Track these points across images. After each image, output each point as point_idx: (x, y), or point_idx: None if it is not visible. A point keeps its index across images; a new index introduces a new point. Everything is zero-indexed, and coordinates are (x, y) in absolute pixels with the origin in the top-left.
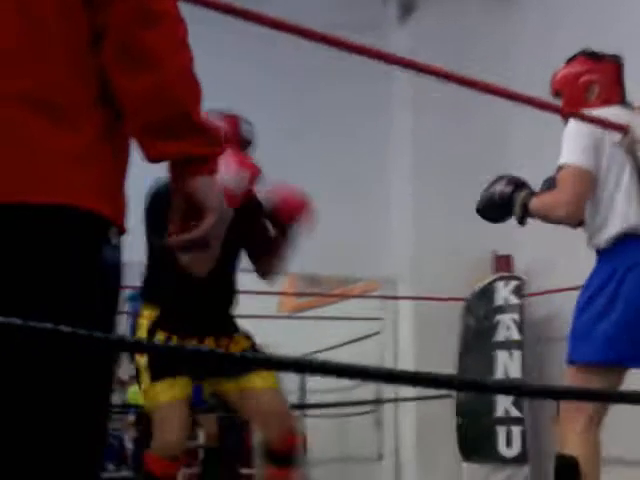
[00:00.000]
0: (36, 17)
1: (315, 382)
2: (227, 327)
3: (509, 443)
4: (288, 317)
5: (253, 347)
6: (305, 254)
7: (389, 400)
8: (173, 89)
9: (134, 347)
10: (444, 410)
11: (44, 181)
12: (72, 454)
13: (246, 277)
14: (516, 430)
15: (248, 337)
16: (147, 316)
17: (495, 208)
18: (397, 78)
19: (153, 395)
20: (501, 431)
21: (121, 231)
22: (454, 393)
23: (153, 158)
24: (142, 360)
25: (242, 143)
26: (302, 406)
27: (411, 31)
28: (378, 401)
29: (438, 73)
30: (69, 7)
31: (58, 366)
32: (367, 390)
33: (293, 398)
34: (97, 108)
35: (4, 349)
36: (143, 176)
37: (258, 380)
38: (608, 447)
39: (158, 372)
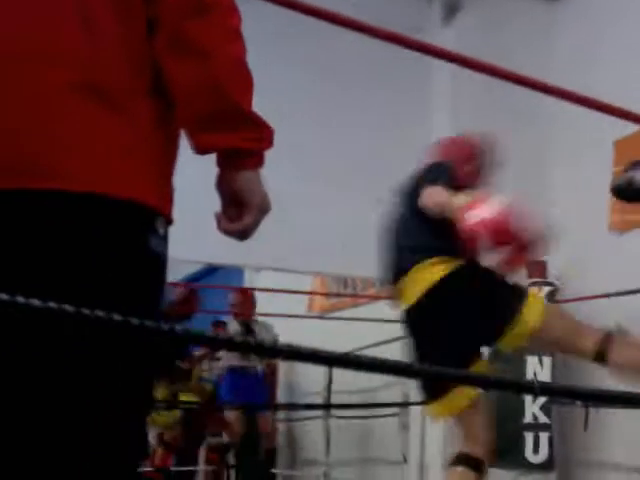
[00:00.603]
0: (90, 7)
1: (341, 383)
2: None
3: (536, 449)
4: (318, 317)
5: None
6: (336, 254)
7: (416, 403)
8: (223, 80)
9: (183, 337)
10: None
11: (93, 169)
12: (117, 443)
13: (275, 276)
14: (544, 436)
15: None
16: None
17: (634, 192)
18: (436, 80)
19: None
20: (528, 437)
21: (168, 221)
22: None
23: (201, 149)
24: None
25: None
26: (327, 406)
27: (455, 32)
28: (405, 404)
29: (484, 67)
30: None
31: (108, 354)
32: (393, 392)
33: (318, 398)
34: (149, 98)
35: (55, 335)
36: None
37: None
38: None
39: None
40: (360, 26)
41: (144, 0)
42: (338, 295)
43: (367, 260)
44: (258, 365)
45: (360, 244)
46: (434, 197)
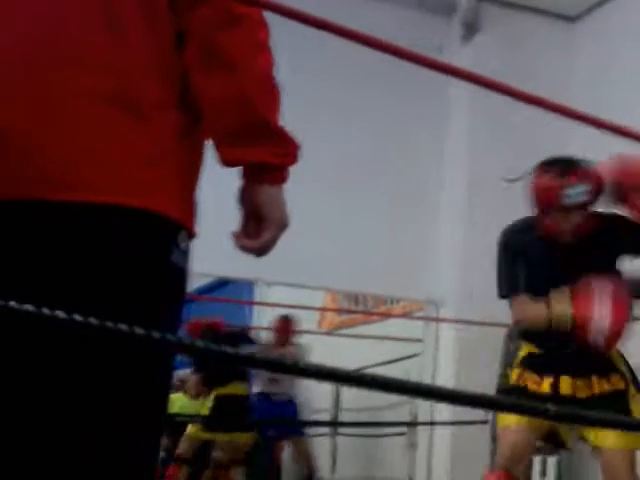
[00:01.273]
0: (118, 17)
1: (348, 401)
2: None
3: (544, 472)
4: (327, 333)
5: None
6: (348, 271)
7: (424, 423)
8: (251, 93)
9: (201, 351)
10: (480, 436)
11: (116, 180)
12: (135, 453)
13: (286, 291)
14: (551, 460)
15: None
16: (524, 349)
17: None
18: (454, 95)
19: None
20: (536, 460)
21: (190, 235)
22: (491, 419)
23: (228, 163)
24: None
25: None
26: (335, 424)
27: (474, 50)
28: (413, 423)
29: (502, 88)
30: (153, 9)
31: (125, 367)
32: (401, 412)
33: (326, 415)
34: (176, 111)
35: (76, 347)
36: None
37: (611, 438)
38: None
39: None
40: (379, 44)
41: (174, 12)
42: (349, 312)
43: (379, 277)
44: (289, 391)
45: (372, 261)
46: (527, 313)
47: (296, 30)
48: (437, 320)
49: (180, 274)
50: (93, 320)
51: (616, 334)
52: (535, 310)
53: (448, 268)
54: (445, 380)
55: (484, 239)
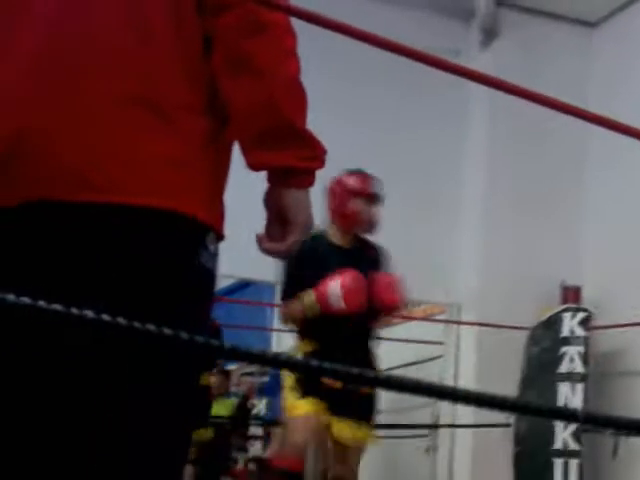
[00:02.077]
0: (146, 22)
1: None
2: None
3: (566, 476)
4: None
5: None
6: None
7: (446, 425)
8: (278, 98)
9: (229, 353)
10: (502, 439)
11: (146, 182)
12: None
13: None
14: (573, 463)
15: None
16: (302, 348)
17: None
18: (474, 96)
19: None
20: (558, 463)
21: (219, 237)
22: (512, 422)
23: (254, 166)
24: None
25: (373, 199)
26: None
27: (493, 55)
28: (435, 425)
29: (521, 92)
30: (182, 15)
31: (154, 368)
32: (423, 414)
33: None
34: (204, 114)
35: (105, 347)
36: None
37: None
38: None
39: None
40: (398, 48)
41: (201, 18)
42: None
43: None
44: None
45: (393, 264)
46: (289, 311)
47: (315, 31)
48: (458, 323)
49: (208, 276)
50: (121, 320)
51: (349, 292)
52: (293, 307)
53: (469, 270)
54: (466, 383)
55: (505, 241)
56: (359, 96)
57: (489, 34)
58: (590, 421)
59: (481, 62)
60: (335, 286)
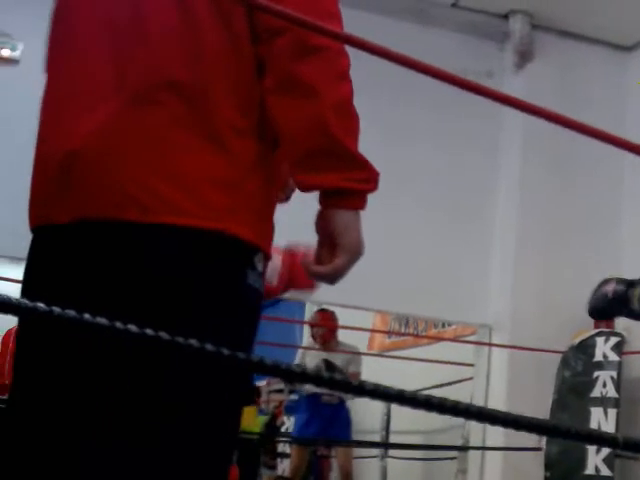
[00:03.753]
0: (204, 45)
1: (399, 423)
2: None
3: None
4: (379, 355)
5: None
6: (400, 294)
7: (476, 447)
8: (330, 120)
9: (272, 369)
10: (532, 463)
11: (194, 203)
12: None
13: (336, 312)
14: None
15: None
16: None
17: (609, 305)
18: (508, 116)
19: None
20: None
21: (266, 257)
22: (544, 446)
23: (305, 188)
24: None
25: None
26: (385, 445)
27: (526, 78)
28: (465, 447)
29: (555, 118)
30: (237, 43)
31: (201, 385)
32: (452, 436)
33: (376, 437)
34: (254, 138)
35: (150, 362)
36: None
37: None
38: None
39: None
40: (430, 70)
41: (254, 42)
42: (400, 334)
43: (431, 300)
44: (342, 396)
45: (424, 283)
46: None
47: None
48: (489, 345)
49: (256, 295)
50: (164, 335)
51: (284, 266)
52: None
53: (501, 291)
54: (496, 405)
55: (537, 262)
56: (389, 113)
57: (523, 56)
58: (630, 447)
59: (515, 85)
60: (273, 264)
